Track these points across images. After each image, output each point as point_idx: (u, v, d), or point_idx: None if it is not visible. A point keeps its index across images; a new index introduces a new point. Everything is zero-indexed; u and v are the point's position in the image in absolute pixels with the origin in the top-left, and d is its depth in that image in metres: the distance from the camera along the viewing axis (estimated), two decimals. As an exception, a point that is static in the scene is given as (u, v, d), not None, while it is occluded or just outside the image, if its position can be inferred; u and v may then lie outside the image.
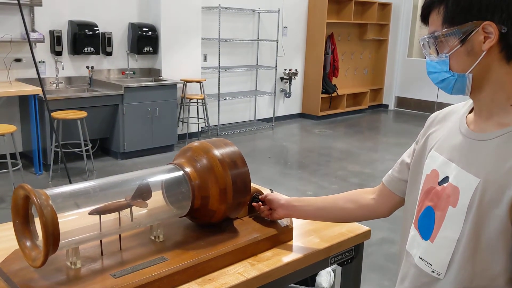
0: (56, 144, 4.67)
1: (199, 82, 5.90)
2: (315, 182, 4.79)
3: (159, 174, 1.27)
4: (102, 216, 1.11)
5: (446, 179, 0.99)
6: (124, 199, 1.16)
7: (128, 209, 1.16)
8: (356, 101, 8.73)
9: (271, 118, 7.21)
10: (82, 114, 4.52)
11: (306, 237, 1.38)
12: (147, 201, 1.18)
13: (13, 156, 4.15)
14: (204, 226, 1.31)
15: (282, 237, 1.31)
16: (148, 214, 1.22)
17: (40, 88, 4.53)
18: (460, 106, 1.07)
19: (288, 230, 1.36)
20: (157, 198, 1.23)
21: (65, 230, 1.05)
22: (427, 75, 1.02)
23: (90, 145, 4.74)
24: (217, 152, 1.26)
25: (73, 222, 1.09)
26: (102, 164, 5.12)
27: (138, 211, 1.18)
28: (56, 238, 0.98)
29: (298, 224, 1.41)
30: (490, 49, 0.91)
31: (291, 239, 1.36)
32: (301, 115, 7.92)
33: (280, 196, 1.37)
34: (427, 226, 1.01)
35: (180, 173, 1.24)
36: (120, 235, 1.18)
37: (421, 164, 1.08)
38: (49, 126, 4.58)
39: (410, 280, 1.05)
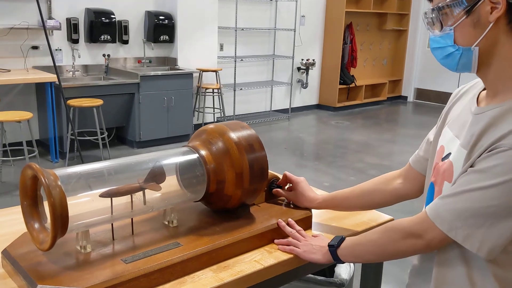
0: (72, 132, 4.67)
1: (215, 71, 5.85)
2: (332, 174, 4.72)
3: (173, 157, 1.22)
4: (113, 199, 1.06)
5: (448, 155, 0.98)
6: (136, 182, 1.11)
7: (141, 192, 1.11)
8: (374, 93, 8.59)
9: (287, 109, 7.14)
10: (98, 102, 4.51)
11: (325, 226, 1.32)
12: (160, 185, 1.13)
13: (29, 143, 4.15)
14: (220, 212, 1.26)
15: (301, 225, 1.25)
16: (162, 198, 1.17)
17: (56, 76, 4.53)
18: (480, 83, 1.01)
19: (307, 218, 1.30)
20: (171, 182, 1.18)
21: (75, 212, 1.00)
22: (431, 52, 0.97)
23: (106, 134, 4.73)
24: (233, 135, 1.21)
25: (83, 204, 1.04)
26: (118, 153, 5.12)
27: (151, 195, 1.13)
28: (65, 221, 0.93)
29: (317, 213, 1.34)
30: (497, 21, 0.85)
31: (310, 227, 1.30)
32: (318, 106, 7.83)
33: (305, 186, 1.33)
34: (429, 202, 0.99)
35: (195, 156, 1.18)
36: (132, 219, 1.13)
37: (437, 140, 1.06)
38: (65, 114, 4.58)
39: (417, 257, 1.08)
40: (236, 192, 1.19)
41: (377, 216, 1.38)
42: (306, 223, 1.29)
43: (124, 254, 1.04)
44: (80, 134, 4.87)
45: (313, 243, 1.15)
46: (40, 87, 4.72)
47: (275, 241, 1.20)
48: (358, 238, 1.08)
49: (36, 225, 1.01)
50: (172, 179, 1.18)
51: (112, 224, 1.10)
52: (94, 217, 1.05)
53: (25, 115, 3.89)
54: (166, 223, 1.19)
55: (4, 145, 4.43)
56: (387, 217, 1.37)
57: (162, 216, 1.21)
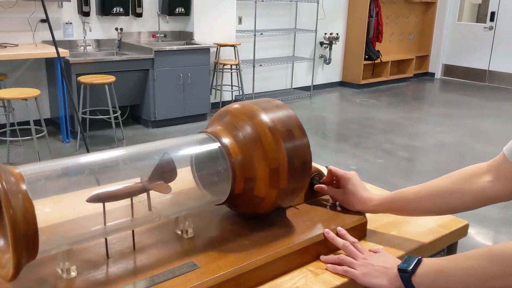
0: (84, 110, 4.42)
1: (233, 46, 5.52)
2: (358, 156, 4.40)
3: (187, 147, 0.93)
4: (107, 204, 0.78)
5: None
6: (138, 181, 0.83)
7: (144, 194, 0.83)
8: (401, 69, 8.17)
9: (309, 86, 6.79)
10: (110, 78, 4.24)
11: (381, 235, 1.02)
12: (170, 184, 0.85)
13: (38, 122, 3.92)
14: (248, 218, 0.97)
15: (353, 234, 0.95)
16: (173, 201, 0.88)
17: (67, 51, 4.26)
18: None
19: (361, 226, 1.00)
20: (184, 180, 0.89)
21: (52, 224, 0.73)
22: None
23: (119, 112, 4.47)
24: (266, 117, 0.91)
25: (64, 212, 0.76)
26: (132, 133, 4.87)
27: (158, 197, 0.85)
28: (32, 240, 0.66)
29: (372, 217, 1.05)
30: None
31: (364, 235, 1.01)
32: (341, 84, 7.45)
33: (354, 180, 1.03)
34: None
35: (216, 145, 0.89)
36: (133, 230, 0.85)
37: None
38: (74, 91, 4.32)
39: None
40: (270, 193, 0.90)
41: (451, 221, 1.07)
42: (359, 232, 1.00)
43: (121, 280, 0.76)
44: (93, 113, 4.62)
45: (374, 263, 0.86)
46: (50, 63, 4.47)
47: (322, 258, 0.91)
48: (443, 262, 0.78)
49: (1, 243, 0.73)
50: (186, 176, 0.90)
51: (106, 239, 0.82)
52: (80, 230, 0.77)
53: (32, 92, 3.64)
54: (179, 232, 0.91)
55: (13, 124, 4.21)
56: (462, 222, 1.07)
57: (173, 224, 0.92)
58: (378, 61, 7.45)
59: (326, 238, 0.93)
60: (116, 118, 4.42)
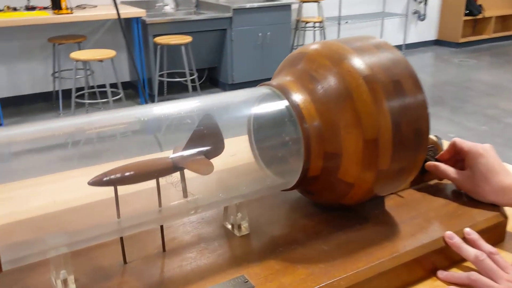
0: (161, 73, 4.31)
1: (317, 2, 5.09)
2: (458, 123, 3.89)
3: (242, 106, 0.65)
4: (121, 188, 0.53)
5: None
6: (169, 155, 0.56)
7: (177, 174, 0.57)
8: (506, 25, 7.22)
9: (401, 45, 6.20)
10: (186, 39, 4.05)
11: (530, 238, 0.69)
12: (214, 160, 0.57)
13: (116, 86, 3.85)
14: (329, 209, 0.68)
15: (487, 239, 0.63)
16: (219, 184, 0.61)
17: (144, 11, 4.14)
18: None
19: (498, 226, 0.67)
20: (236, 154, 0.62)
21: (36, 215, 0.49)
22: None
23: (196, 75, 4.30)
24: (361, 63, 0.60)
25: (56, 199, 0.52)
26: (209, 96, 4.70)
27: (198, 179, 0.58)
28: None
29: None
30: None
31: (501, 240, 0.68)
32: (437, 42, 6.74)
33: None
34: None
35: (282, 104, 0.60)
36: (162, 226, 0.59)
37: None
38: (151, 53, 4.20)
39: None
40: (364, 177, 0.60)
41: None
42: (495, 236, 0.67)
43: (138, 301, 0.52)
44: (171, 76, 4.50)
45: None
46: (128, 24, 4.37)
47: (441, 275, 0.60)
48: None
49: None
50: (239, 149, 0.62)
51: (121, 239, 0.57)
52: (81, 225, 0.53)
53: (108, 53, 3.55)
54: (229, 227, 0.64)
55: (92, 87, 4.20)
56: None
57: (220, 215, 0.66)
58: (480, 16, 6.61)
59: (447, 245, 0.61)
60: (193, 81, 4.25)
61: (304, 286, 0.53)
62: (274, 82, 0.64)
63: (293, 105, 0.58)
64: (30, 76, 4.33)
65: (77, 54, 3.52)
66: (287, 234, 0.64)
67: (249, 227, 0.63)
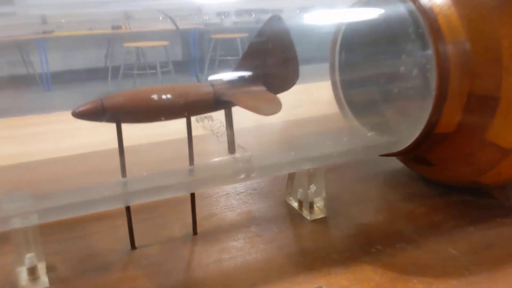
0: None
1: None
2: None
3: (328, 14, 0.41)
4: (128, 128, 0.32)
5: None
6: (209, 81, 0.35)
7: (221, 112, 0.35)
8: None
9: None
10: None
11: None
12: (281, 95, 0.35)
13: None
14: (450, 191, 0.45)
15: None
16: (285, 137, 0.39)
17: None
18: None
19: None
20: (315, 90, 0.39)
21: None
22: None
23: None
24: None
25: (28, 146, 0.32)
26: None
27: (253, 125, 0.36)
28: None
29: None
30: None
31: None
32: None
33: None
34: None
35: (401, 8, 0.36)
36: (193, 195, 0.38)
37: None
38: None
39: None
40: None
41: None
42: None
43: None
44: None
45: None
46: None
47: None
48: None
49: None
50: (319, 82, 0.39)
51: (127, 210, 0.36)
52: (62, 184, 0.33)
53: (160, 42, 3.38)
54: (295, 205, 0.42)
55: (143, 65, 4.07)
56: None
57: (282, 186, 0.44)
58: None
59: None
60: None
61: (427, 317, 0.30)
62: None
63: (421, 10, 0.35)
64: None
65: (130, 43, 3.38)
66: (385, 224, 0.41)
67: (326, 208, 0.41)
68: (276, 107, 0.32)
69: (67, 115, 0.31)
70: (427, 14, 0.34)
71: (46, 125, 0.36)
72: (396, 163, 0.49)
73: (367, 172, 0.49)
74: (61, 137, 0.36)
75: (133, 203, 0.35)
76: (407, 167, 0.46)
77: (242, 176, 0.35)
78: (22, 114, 0.35)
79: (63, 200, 0.31)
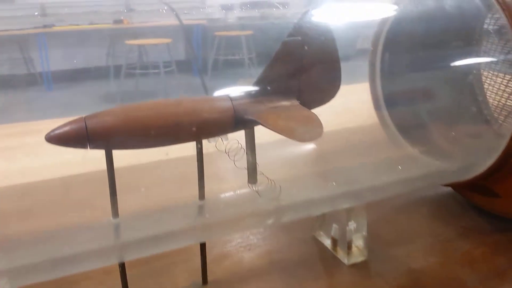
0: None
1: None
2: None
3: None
4: (118, 155, 0.24)
5: None
6: (227, 94, 0.27)
7: (240, 133, 0.27)
8: None
9: None
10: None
11: None
12: (317, 112, 0.27)
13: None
14: (510, 226, 0.37)
15: None
16: (321, 163, 0.31)
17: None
18: None
19: None
20: (355, 105, 0.31)
21: None
22: None
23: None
24: None
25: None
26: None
27: (279, 149, 0.28)
28: None
29: None
30: None
31: None
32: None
33: None
34: None
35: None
36: (203, 243, 0.30)
37: None
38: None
39: None
40: None
41: None
42: None
43: None
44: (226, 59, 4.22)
45: None
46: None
47: None
48: None
49: None
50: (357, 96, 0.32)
51: (121, 268, 0.28)
52: (34, 235, 0.25)
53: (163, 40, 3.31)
54: (327, 243, 0.34)
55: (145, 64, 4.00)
56: None
57: (311, 221, 0.36)
58: None
59: None
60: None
61: None
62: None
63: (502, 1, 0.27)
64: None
65: (132, 41, 3.31)
66: (439, 269, 0.33)
67: (367, 249, 0.33)
68: (316, 130, 0.24)
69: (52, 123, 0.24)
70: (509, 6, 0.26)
71: (14, 137, 0.29)
72: (442, 188, 0.41)
73: (408, 199, 0.41)
74: (33, 153, 0.29)
75: (127, 259, 0.27)
76: (460, 194, 0.38)
77: (270, 220, 0.27)
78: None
79: (37, 257, 0.23)
